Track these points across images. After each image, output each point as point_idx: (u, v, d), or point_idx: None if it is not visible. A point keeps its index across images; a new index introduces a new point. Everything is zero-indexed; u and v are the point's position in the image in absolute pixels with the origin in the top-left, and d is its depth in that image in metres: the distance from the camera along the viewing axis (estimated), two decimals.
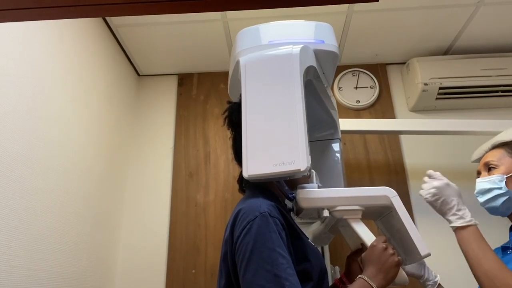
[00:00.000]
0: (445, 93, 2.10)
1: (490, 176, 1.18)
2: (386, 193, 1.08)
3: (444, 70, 2.10)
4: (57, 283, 1.44)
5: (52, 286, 1.41)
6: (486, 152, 1.27)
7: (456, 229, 1.00)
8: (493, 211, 1.19)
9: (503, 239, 1.25)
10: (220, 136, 2.23)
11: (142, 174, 2.17)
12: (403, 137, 2.17)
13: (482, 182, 1.19)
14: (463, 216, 1.02)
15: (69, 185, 1.56)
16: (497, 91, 2.09)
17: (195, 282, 1.93)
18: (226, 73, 1.38)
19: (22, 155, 1.28)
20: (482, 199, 1.19)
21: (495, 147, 1.24)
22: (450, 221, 1.01)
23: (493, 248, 1.29)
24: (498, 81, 2.06)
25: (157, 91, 2.38)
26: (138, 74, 2.41)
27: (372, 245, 1.02)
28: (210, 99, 2.33)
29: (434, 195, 1.07)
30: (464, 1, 1.85)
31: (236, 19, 1.96)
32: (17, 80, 1.29)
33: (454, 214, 1.01)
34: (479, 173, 1.25)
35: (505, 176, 1.15)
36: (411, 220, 1.08)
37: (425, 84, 2.07)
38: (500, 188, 1.14)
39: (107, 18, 1.95)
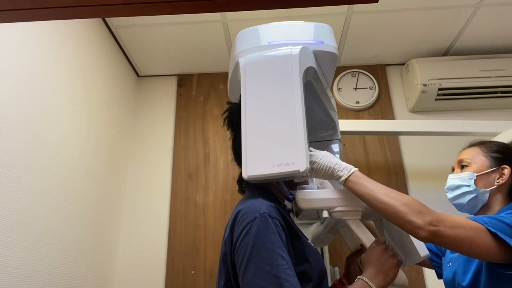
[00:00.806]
0: (445, 94, 2.11)
1: (461, 173, 1.19)
2: None
3: (444, 71, 2.10)
4: (56, 284, 1.44)
5: (51, 287, 1.41)
6: (464, 149, 1.28)
7: (345, 180, 1.00)
8: (459, 207, 1.21)
9: None
10: (220, 137, 2.23)
11: (141, 174, 2.17)
12: (402, 138, 2.17)
13: (453, 179, 1.21)
14: (346, 167, 1.02)
15: (68, 186, 1.56)
16: (496, 92, 2.09)
17: (195, 283, 1.93)
18: (226, 74, 1.38)
19: (22, 156, 1.28)
20: (450, 195, 1.21)
21: (472, 145, 1.26)
22: (339, 177, 1.01)
23: None
24: (497, 82, 2.07)
25: (157, 92, 2.38)
26: (138, 75, 2.41)
27: (372, 246, 1.02)
28: (210, 100, 2.33)
29: (320, 170, 1.03)
30: (463, 2, 1.85)
31: (236, 20, 1.96)
32: (16, 80, 1.29)
33: (339, 170, 1.02)
34: (453, 170, 1.27)
35: (475, 175, 1.16)
36: None
37: (425, 85, 2.08)
38: (468, 186, 1.16)
39: (106, 19, 1.95)
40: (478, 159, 1.19)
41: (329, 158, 1.04)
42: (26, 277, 1.27)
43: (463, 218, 0.96)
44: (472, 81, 2.08)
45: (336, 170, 1.02)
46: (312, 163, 1.03)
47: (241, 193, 1.20)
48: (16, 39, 1.31)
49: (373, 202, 0.97)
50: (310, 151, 1.06)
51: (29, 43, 1.38)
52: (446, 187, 1.23)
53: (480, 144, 1.24)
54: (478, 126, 1.83)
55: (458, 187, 1.18)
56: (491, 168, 1.16)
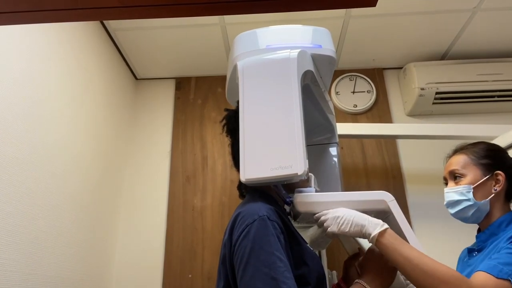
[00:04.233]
0: (442, 98, 2.11)
1: (457, 187, 1.17)
2: (383, 197, 1.08)
3: (441, 75, 2.11)
4: (53, 287, 1.43)
5: None
6: (450, 156, 1.26)
7: (377, 238, 0.95)
8: (464, 220, 1.20)
9: (471, 239, 1.26)
10: (218, 140, 2.22)
11: (139, 177, 2.16)
12: (400, 142, 2.18)
13: (450, 193, 1.19)
14: (376, 222, 0.97)
15: (65, 189, 1.55)
16: (493, 96, 2.10)
17: (192, 287, 1.92)
18: (224, 77, 1.38)
19: (19, 159, 1.28)
20: (452, 210, 1.19)
21: (458, 152, 1.24)
22: (369, 234, 0.96)
23: (459, 250, 1.29)
24: (494, 86, 2.07)
25: (155, 95, 2.37)
26: (136, 78, 2.41)
27: (370, 250, 1.02)
28: (208, 103, 2.33)
29: (346, 224, 0.98)
30: (460, 6, 1.86)
31: (234, 23, 1.96)
32: (14, 83, 1.28)
33: (369, 227, 0.96)
34: (445, 180, 1.25)
35: (472, 187, 1.15)
36: (408, 225, 1.08)
37: (422, 89, 2.08)
38: (468, 200, 1.14)
39: (104, 22, 1.95)
40: (471, 169, 1.17)
41: (351, 211, 1.00)
42: (23, 280, 1.26)
43: (490, 280, 0.94)
44: (469, 85, 2.08)
45: (366, 227, 0.96)
46: (340, 214, 0.99)
47: (242, 198, 1.20)
48: (14, 42, 1.31)
49: (409, 270, 0.93)
50: (328, 211, 1.02)
51: (27, 45, 1.37)
52: (445, 203, 1.21)
53: (466, 150, 1.22)
54: (475, 130, 1.84)
55: (458, 202, 1.16)
56: (485, 176, 1.15)
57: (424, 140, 2.08)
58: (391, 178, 2.10)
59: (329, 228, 1.00)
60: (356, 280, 0.97)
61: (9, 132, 1.24)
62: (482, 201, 1.14)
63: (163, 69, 2.34)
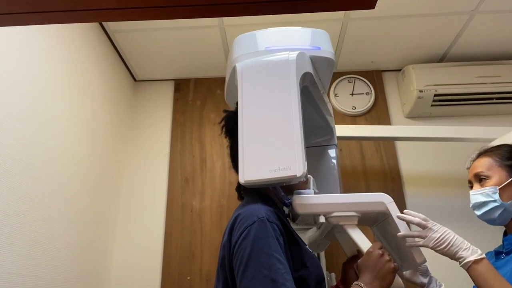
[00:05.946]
0: (440, 100, 2.12)
1: (483, 189, 1.17)
2: (382, 199, 1.09)
3: (439, 77, 2.11)
4: None
5: None
6: (473, 160, 1.26)
7: (471, 264, 0.97)
8: (491, 222, 1.20)
9: (496, 241, 1.26)
10: (216, 141, 2.22)
11: (137, 179, 2.16)
12: (398, 144, 2.18)
13: (476, 195, 1.19)
14: (475, 250, 1.00)
15: (63, 190, 1.55)
16: (491, 98, 2.11)
17: None
18: (223, 79, 1.38)
19: (17, 161, 1.28)
20: (479, 212, 1.19)
21: (482, 155, 1.25)
22: (464, 258, 0.98)
23: (485, 252, 1.30)
24: (492, 89, 2.08)
25: (154, 97, 2.37)
26: (135, 79, 2.40)
27: (368, 252, 1.02)
28: (207, 104, 2.33)
29: (443, 242, 1.01)
30: (459, 9, 1.87)
31: (233, 25, 1.97)
32: (12, 84, 1.28)
33: (466, 249, 0.99)
34: (470, 183, 1.25)
35: (498, 188, 1.15)
36: (407, 226, 1.08)
37: (420, 91, 2.09)
38: (495, 201, 1.14)
39: (103, 23, 1.95)
40: (496, 171, 1.17)
41: (451, 232, 1.02)
42: (21, 282, 1.26)
43: None
44: (468, 88, 2.09)
45: (462, 250, 0.99)
46: (441, 235, 1.02)
47: (240, 200, 1.20)
48: (13, 44, 1.31)
49: None
50: (431, 224, 1.04)
51: (25, 47, 1.37)
52: (471, 205, 1.21)
53: (490, 152, 1.22)
54: (474, 132, 1.84)
55: (484, 203, 1.16)
56: (510, 177, 1.15)
57: (423, 142, 2.08)
58: (390, 180, 2.10)
59: (422, 242, 1.03)
60: (355, 282, 0.97)
61: (7, 133, 1.24)
62: (509, 202, 1.14)
63: (162, 70, 2.34)
